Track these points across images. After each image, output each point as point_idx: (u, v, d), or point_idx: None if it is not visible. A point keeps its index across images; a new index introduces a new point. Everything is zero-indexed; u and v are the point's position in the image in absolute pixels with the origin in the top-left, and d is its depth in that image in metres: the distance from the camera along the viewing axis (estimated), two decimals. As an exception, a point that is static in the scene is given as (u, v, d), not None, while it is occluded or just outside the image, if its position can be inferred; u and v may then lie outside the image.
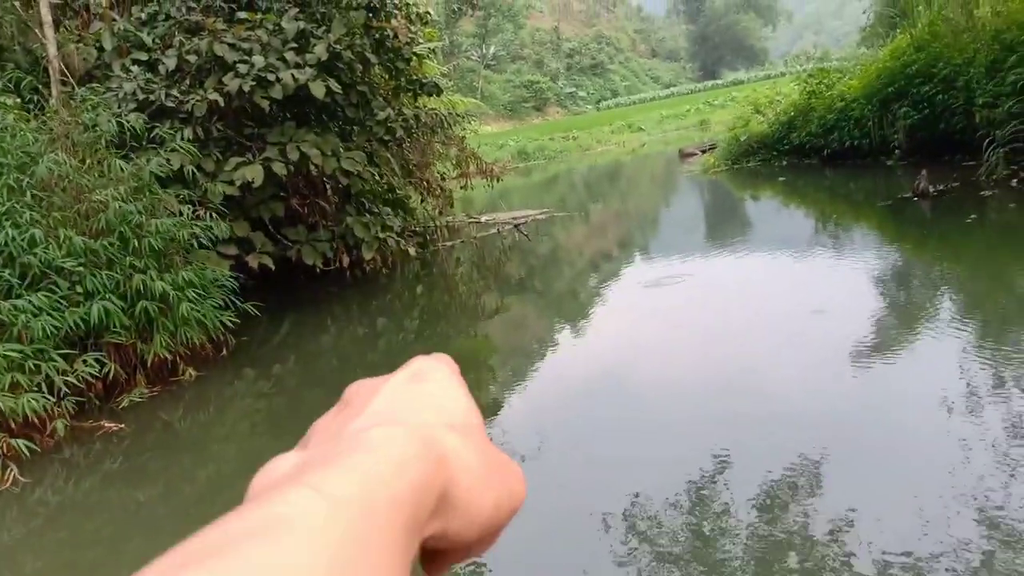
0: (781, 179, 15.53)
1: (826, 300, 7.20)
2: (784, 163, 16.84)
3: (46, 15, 7.97)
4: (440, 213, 15.08)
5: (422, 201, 14.91)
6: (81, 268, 6.21)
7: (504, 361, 7.62)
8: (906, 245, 9.21)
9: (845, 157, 14.92)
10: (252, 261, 9.09)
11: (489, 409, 5.80)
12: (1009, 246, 8.24)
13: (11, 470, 5.05)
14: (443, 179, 15.87)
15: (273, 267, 9.29)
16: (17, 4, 8.61)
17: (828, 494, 3.73)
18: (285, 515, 0.23)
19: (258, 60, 8.63)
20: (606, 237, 15.30)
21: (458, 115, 15.57)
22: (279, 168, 8.74)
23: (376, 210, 10.99)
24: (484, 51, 67.64)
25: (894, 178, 12.61)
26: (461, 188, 16.30)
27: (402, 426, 0.30)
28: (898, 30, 15.41)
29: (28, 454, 5.20)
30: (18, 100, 7.51)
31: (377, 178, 11.48)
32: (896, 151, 13.61)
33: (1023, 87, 10.48)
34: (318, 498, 0.24)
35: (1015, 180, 10.14)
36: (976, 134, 11.14)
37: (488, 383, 6.82)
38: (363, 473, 0.26)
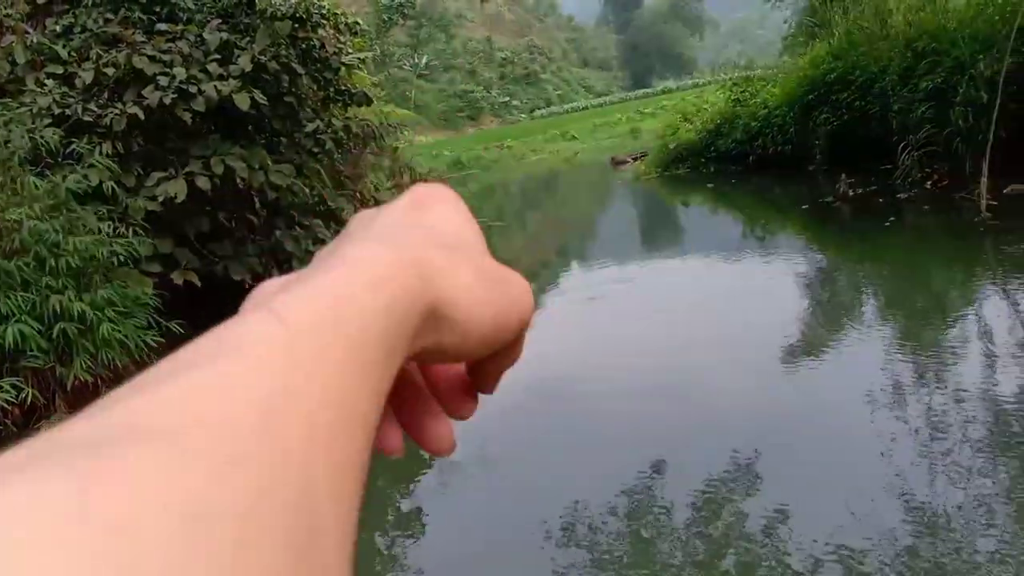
0: (709, 185, 15.84)
1: (754, 303, 7.34)
2: (712, 170, 17.16)
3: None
4: (374, 225, 14.94)
5: (355, 212, 14.76)
6: (-6, 290, 5.97)
7: None
8: (828, 248, 9.49)
9: (770, 163, 15.27)
10: (177, 278, 8.85)
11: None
12: (924, 247, 8.56)
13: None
14: (377, 190, 15.75)
15: (199, 284, 9.07)
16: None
17: (761, 493, 3.79)
18: (238, 339, 0.23)
19: (179, 72, 8.43)
20: (541, 246, 15.37)
21: (390, 125, 15.48)
22: (203, 183, 8.55)
23: (307, 223, 10.84)
24: (417, 61, 67.35)
25: (816, 183, 12.97)
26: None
27: (385, 244, 0.29)
28: (817, 39, 15.87)
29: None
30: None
31: (308, 191, 11.33)
32: (818, 156, 13.99)
33: (935, 93, 10.89)
34: (275, 321, 0.23)
35: (929, 183, 10.52)
36: (892, 139, 11.53)
37: None
38: (331, 293, 0.25)
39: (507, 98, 78.60)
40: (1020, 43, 9.65)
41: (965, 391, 4.47)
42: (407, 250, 0.29)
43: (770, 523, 3.51)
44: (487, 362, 0.35)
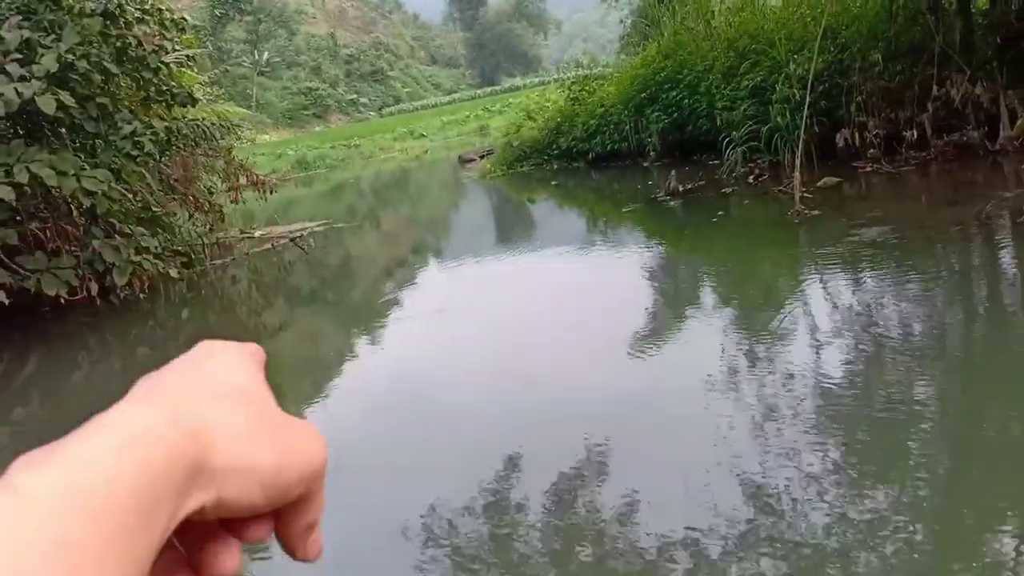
0: (554, 183, 16.09)
1: (594, 296, 7.54)
2: (555, 167, 17.44)
3: None
4: (210, 230, 14.26)
5: (190, 217, 14.03)
6: None
7: (291, 379, 7.30)
8: (663, 241, 9.82)
9: (608, 160, 15.69)
10: (-21, 296, 8.11)
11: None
12: (746, 238, 8.99)
13: None
14: (211, 193, 15.04)
15: (6, 301, 8.33)
16: None
17: (611, 482, 3.87)
18: None
19: (-29, 73, 7.71)
20: (389, 246, 15.17)
21: (224, 125, 14.81)
22: (4, 192, 7.85)
23: (129, 231, 10.17)
24: (257, 57, 65.11)
25: (651, 178, 13.40)
26: (232, 203, 15.51)
27: (152, 404, 0.29)
28: (649, 39, 16.43)
29: None
30: None
31: (130, 196, 10.64)
32: (651, 153, 14.48)
33: (755, 90, 11.47)
34: (11, 497, 0.23)
35: (751, 177, 11.07)
36: (719, 135, 12.07)
37: (277, 401, 6.47)
38: (74, 458, 0.25)
39: (355, 95, 77.50)
40: (827, 43, 10.32)
41: (792, 372, 4.70)
42: (178, 406, 0.29)
43: (621, 511, 3.60)
44: (289, 518, 0.34)
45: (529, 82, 69.05)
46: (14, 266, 8.83)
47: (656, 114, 14.03)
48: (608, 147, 15.53)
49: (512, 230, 13.43)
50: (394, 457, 4.78)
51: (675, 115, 13.68)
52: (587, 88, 17.10)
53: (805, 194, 8.58)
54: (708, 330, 6.03)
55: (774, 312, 5.96)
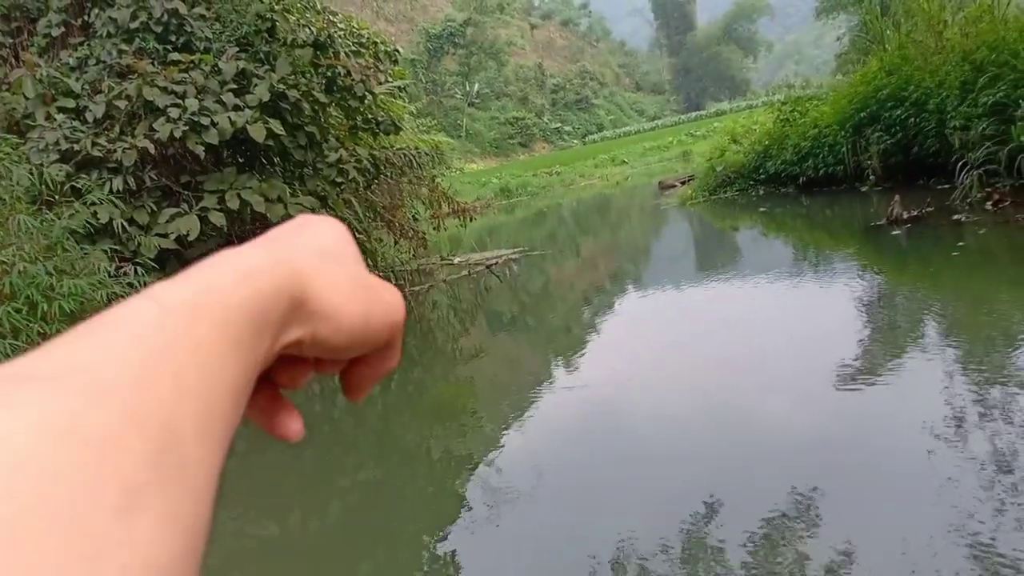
0: (761, 209, 15.15)
1: (811, 330, 6.93)
2: (761, 192, 16.49)
3: (-52, 64, 7.54)
4: (413, 256, 14.65)
5: (395, 244, 14.49)
6: (-21, 338, 5.69)
7: (487, 405, 7.25)
8: (879, 272, 8.84)
9: (821, 184, 14.58)
10: (193, 317, 8.59)
11: (472, 454, 5.68)
12: (984, 271, 7.86)
13: None
14: (415, 220, 15.48)
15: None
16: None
17: (822, 531, 3.56)
18: (119, 315, 0.27)
19: (191, 103, 8.20)
20: (586, 273, 14.88)
21: (427, 153, 15.20)
22: (217, 218, 8.29)
23: (331, 257, 10.52)
24: (468, 89, 67.71)
25: (869, 204, 12.25)
26: (435, 230, 15.90)
27: (260, 248, 0.34)
28: (870, 55, 15.19)
29: None
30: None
31: (335, 223, 11.03)
32: (871, 176, 13.26)
33: (995, 107, 10.14)
34: (150, 303, 0.28)
35: (989, 203, 9.75)
36: (950, 157, 10.79)
37: (471, 427, 6.52)
38: (202, 281, 0.29)
39: (559, 124, 78.63)
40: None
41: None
42: (281, 252, 0.34)
43: (832, 565, 3.28)
44: (363, 366, 0.39)
45: (736, 106, 67.03)
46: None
47: (877, 134, 12.83)
48: (821, 170, 14.42)
49: (713, 259, 12.70)
50: (583, 490, 4.61)
51: (899, 135, 12.44)
52: (799, 109, 16.01)
53: (1060, 223, 7.35)
54: (931, 373, 5.33)
55: (1014, 357, 5.07)
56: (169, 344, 0.26)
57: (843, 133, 13.80)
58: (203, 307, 0.28)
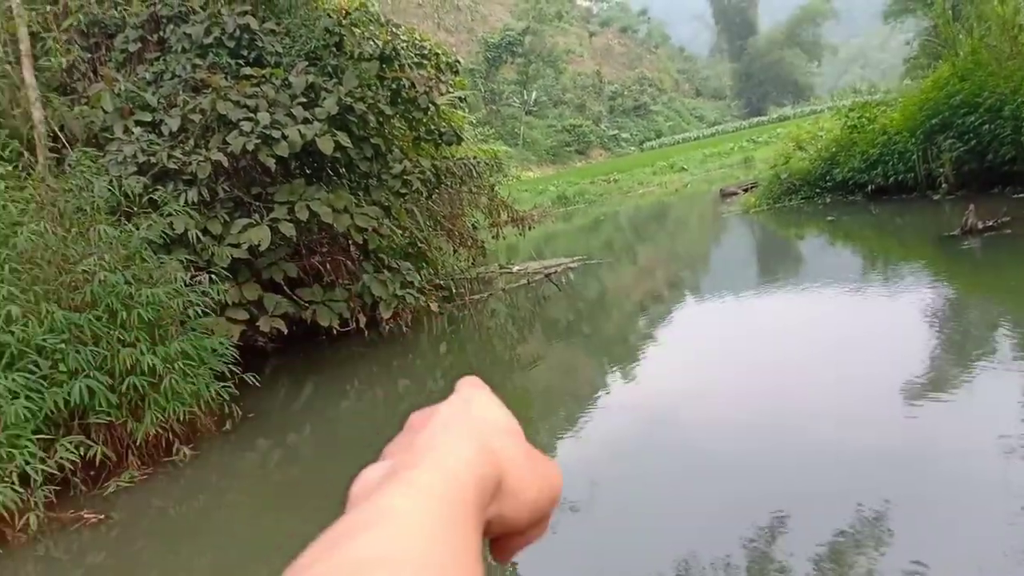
0: (829, 218, 14.86)
1: (880, 344, 6.79)
2: (827, 200, 16.18)
3: (29, 78, 7.83)
4: (472, 264, 14.74)
5: (454, 252, 14.59)
6: (63, 345, 5.90)
7: (543, 414, 7.26)
8: (955, 285, 8.58)
9: (890, 192, 14.26)
10: (263, 325, 8.78)
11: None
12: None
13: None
14: (475, 229, 15.56)
15: (285, 331, 8.96)
16: (10, 68, 8.51)
17: (891, 548, 3.52)
18: (388, 507, 0.32)
19: (263, 117, 8.39)
20: (644, 282, 14.78)
21: (486, 162, 15.27)
22: (287, 229, 8.46)
23: (395, 266, 10.65)
24: (525, 97, 67.79)
25: (942, 213, 11.94)
26: (493, 238, 15.96)
27: (462, 435, 0.38)
28: (941, 60, 14.81)
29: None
30: (9, 168, 7.31)
31: (398, 232, 11.17)
32: (943, 185, 12.92)
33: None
34: (413, 491, 0.33)
35: (1073, 213, 9.42)
36: (1028, 165, 10.46)
37: (527, 437, 6.45)
38: (441, 469, 0.34)
39: (616, 131, 78.19)
40: None
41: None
42: (478, 436, 0.38)
43: None
44: (519, 537, 0.41)
45: (799, 111, 65.78)
46: (294, 297, 9.51)
47: (949, 141, 12.51)
48: (891, 178, 14.10)
49: (777, 269, 12.49)
50: (642, 504, 4.59)
51: (972, 142, 12.11)
52: (867, 115, 15.67)
53: None
54: (1007, 389, 5.22)
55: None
56: (435, 532, 0.31)
57: (914, 140, 13.49)
58: (451, 489, 0.34)
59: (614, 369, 8.43)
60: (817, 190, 16.73)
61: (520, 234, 15.94)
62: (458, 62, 15.42)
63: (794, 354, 6.97)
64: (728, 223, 19.14)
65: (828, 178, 16.32)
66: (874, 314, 8.01)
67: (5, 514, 5.08)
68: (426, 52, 13.82)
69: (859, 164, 15.11)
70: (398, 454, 0.38)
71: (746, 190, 22.25)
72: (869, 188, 14.83)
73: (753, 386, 6.36)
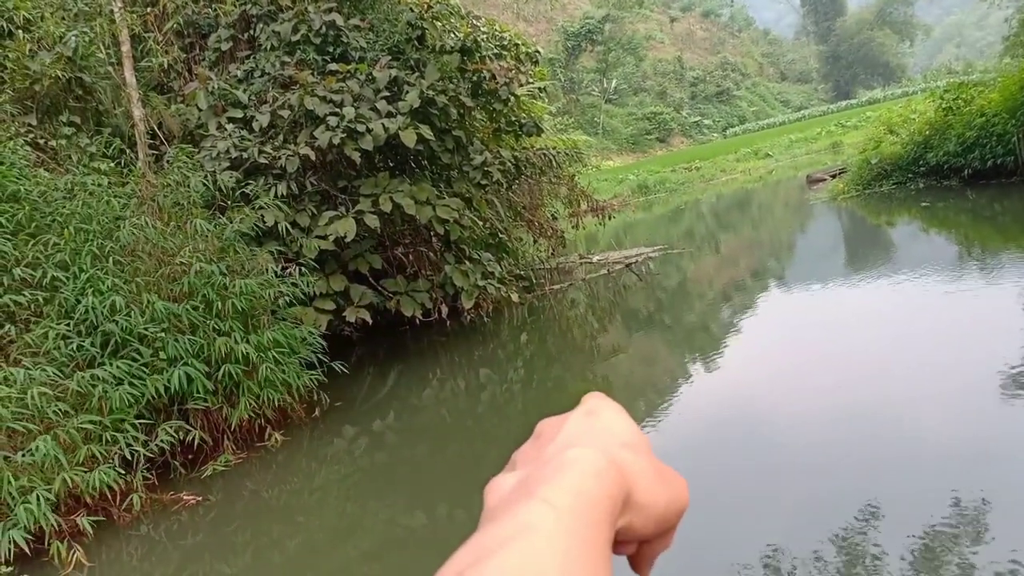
0: (923, 204, 14.32)
1: (976, 335, 6.60)
2: (920, 186, 15.61)
3: (129, 77, 8.17)
4: (552, 254, 14.76)
5: (534, 242, 14.63)
6: (163, 334, 6.18)
7: (625, 403, 7.21)
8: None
9: (988, 176, 13.66)
10: (350, 315, 9.00)
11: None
12: None
13: (75, 552, 4.91)
14: (554, 219, 15.56)
15: (370, 321, 9.16)
16: (112, 69, 8.91)
17: (988, 544, 3.45)
18: (529, 523, 0.34)
19: (348, 112, 8.58)
20: (726, 271, 14.55)
21: (566, 152, 15.23)
22: (372, 221, 8.63)
23: (477, 256, 10.76)
24: (605, 85, 67.24)
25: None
26: (573, 228, 15.93)
27: (589, 446, 0.39)
28: (1045, 36, 14.09)
29: (91, 531, 5.09)
30: (112, 164, 7.68)
31: (479, 223, 11.28)
32: (1046, 168, 12.32)
33: None
34: (549, 508, 0.35)
35: None
36: None
37: None
38: (575, 485, 0.36)
39: (698, 117, 76.88)
40: None
41: None
42: (606, 450, 0.39)
43: None
44: (647, 546, 0.43)
45: (890, 94, 63.47)
46: (379, 287, 9.72)
47: (1053, 123, 11.89)
48: (989, 162, 13.51)
49: (868, 257, 12.11)
50: (728, 496, 4.54)
51: (1080, 123, 11.49)
52: (963, 96, 15.02)
53: None
54: None
55: None
56: (573, 547, 0.33)
57: (1014, 122, 12.89)
58: (584, 507, 0.36)
59: (696, 360, 8.34)
60: (910, 175, 16.16)
61: (600, 224, 15.87)
62: (538, 52, 15.41)
63: (887, 346, 6.80)
64: (815, 210, 18.64)
65: (921, 162, 15.74)
66: (972, 305, 7.71)
67: (110, 495, 5.36)
68: (506, 43, 13.86)
69: (955, 148, 14.52)
70: (528, 464, 0.40)
71: (834, 176, 21.62)
72: (965, 172, 14.25)
73: (840, 379, 6.24)
